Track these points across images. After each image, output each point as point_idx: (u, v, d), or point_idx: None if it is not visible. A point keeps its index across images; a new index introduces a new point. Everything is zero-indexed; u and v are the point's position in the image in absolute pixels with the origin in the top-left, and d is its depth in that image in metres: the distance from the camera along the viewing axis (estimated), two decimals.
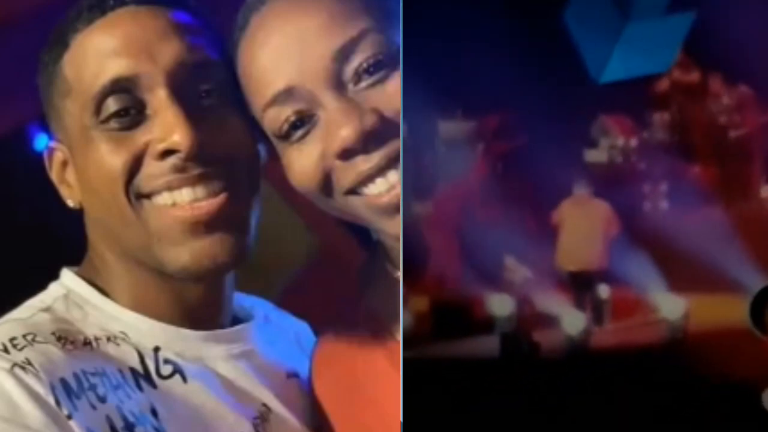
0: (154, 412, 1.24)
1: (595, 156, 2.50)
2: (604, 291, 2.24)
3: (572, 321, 2.12)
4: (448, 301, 2.18)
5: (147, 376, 1.28)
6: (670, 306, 2.18)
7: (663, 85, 2.58)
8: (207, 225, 1.27)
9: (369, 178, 1.24)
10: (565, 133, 2.36)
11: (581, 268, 2.28)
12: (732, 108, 2.56)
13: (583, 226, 2.30)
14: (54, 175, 1.37)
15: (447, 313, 2.17)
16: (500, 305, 2.17)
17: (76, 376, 1.20)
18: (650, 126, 2.58)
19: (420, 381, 1.55)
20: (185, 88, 1.27)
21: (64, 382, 1.19)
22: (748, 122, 2.56)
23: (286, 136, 1.26)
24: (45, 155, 1.37)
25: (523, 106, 2.21)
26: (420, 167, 2.38)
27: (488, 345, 2.06)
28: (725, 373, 1.68)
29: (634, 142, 2.55)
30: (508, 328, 2.12)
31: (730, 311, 1.80)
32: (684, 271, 2.18)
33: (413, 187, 2.29)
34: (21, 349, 1.20)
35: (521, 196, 2.33)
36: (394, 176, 1.24)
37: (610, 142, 2.53)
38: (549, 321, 2.13)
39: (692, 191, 2.44)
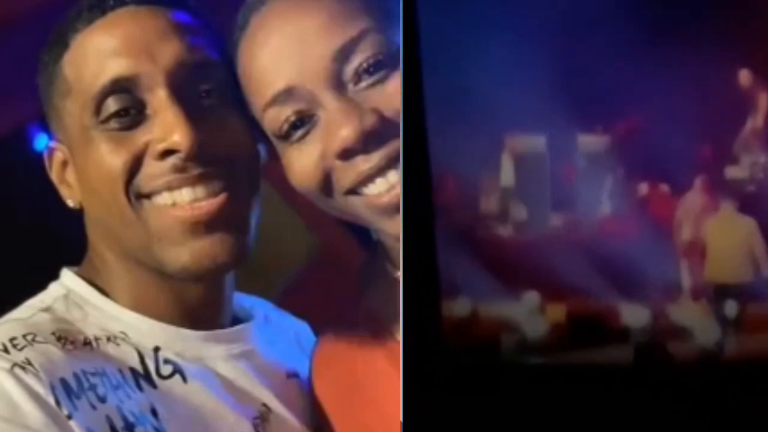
0: (154, 412, 1.24)
1: (736, 172, 2.51)
2: (738, 305, 2.24)
3: (707, 333, 2.12)
4: (584, 311, 2.19)
5: (147, 376, 1.28)
6: None
7: None
8: (207, 225, 1.27)
9: (369, 178, 1.24)
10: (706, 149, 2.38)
11: (724, 281, 2.28)
12: None
13: (728, 241, 2.31)
14: (54, 175, 1.37)
15: (583, 323, 2.18)
16: (635, 316, 2.18)
17: (76, 376, 1.20)
18: None
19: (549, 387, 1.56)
20: (185, 88, 1.27)
21: (64, 382, 1.19)
22: None
23: (286, 136, 1.26)
24: (45, 155, 1.37)
25: (666, 124, 2.22)
26: (559, 180, 2.38)
27: (623, 355, 2.07)
28: None
29: None
30: (643, 338, 2.13)
31: None
32: None
33: (551, 199, 2.32)
34: (21, 349, 1.20)
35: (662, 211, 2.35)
36: (394, 176, 1.24)
37: (752, 159, 2.52)
38: (683, 333, 2.13)
39: None
